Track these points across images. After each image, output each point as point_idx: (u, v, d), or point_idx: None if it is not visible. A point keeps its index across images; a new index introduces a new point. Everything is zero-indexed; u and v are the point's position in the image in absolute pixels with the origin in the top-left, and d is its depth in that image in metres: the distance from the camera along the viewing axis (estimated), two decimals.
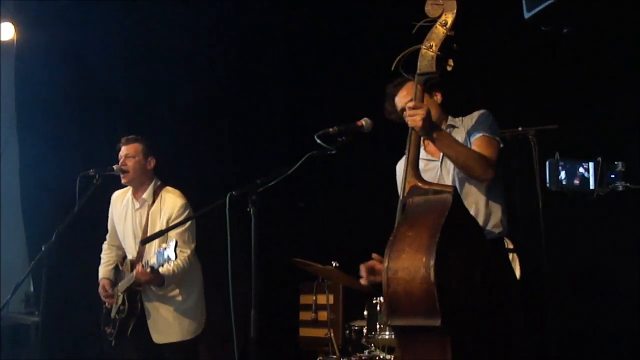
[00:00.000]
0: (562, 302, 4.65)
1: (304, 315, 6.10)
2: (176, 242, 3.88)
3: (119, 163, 4.49)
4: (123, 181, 4.53)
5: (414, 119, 2.95)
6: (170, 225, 4.24)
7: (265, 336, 3.10)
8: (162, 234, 4.03)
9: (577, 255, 4.81)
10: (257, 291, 3.02)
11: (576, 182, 3.52)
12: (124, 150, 4.53)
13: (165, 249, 3.89)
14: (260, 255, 3.03)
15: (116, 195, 4.73)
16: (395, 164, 3.51)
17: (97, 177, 4.44)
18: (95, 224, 4.83)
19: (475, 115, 3.32)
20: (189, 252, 4.37)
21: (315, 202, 6.18)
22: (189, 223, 4.35)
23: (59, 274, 5.00)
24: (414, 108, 2.97)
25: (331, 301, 5.50)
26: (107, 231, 4.81)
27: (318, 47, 6.25)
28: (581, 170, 3.51)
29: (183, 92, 6.25)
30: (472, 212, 3.11)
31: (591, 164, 3.48)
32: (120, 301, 4.48)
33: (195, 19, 6.21)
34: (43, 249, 4.23)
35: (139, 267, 4.19)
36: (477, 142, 3.21)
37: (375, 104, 3.55)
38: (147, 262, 4.12)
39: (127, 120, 6.05)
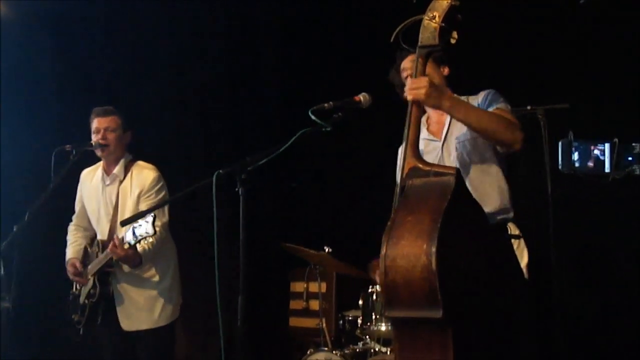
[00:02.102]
0: (572, 291, 4.56)
1: (295, 304, 6.06)
2: (154, 217, 3.67)
3: (99, 136, 4.30)
4: (101, 154, 4.36)
5: (417, 92, 2.81)
6: (143, 199, 4.20)
7: (253, 325, 2.98)
8: (143, 214, 3.77)
9: (588, 242, 4.72)
10: (246, 276, 2.90)
11: (590, 164, 3.34)
12: (103, 122, 4.33)
13: (141, 225, 3.68)
14: (248, 239, 2.92)
15: (85, 173, 4.56)
16: (395, 142, 3.34)
17: (74, 152, 4.29)
18: (72, 203, 4.68)
19: (482, 94, 3.21)
20: (159, 224, 4.12)
21: (309, 183, 6.10)
22: (161, 194, 4.27)
23: (31, 256, 4.86)
24: (413, 82, 2.83)
25: (323, 289, 5.46)
26: None
27: (313, 17, 6.11)
28: (596, 152, 3.34)
29: (168, 66, 6.17)
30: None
31: (607, 145, 3.29)
32: (90, 285, 4.28)
33: None
34: (15, 229, 4.12)
35: (115, 241, 3.93)
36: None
37: (374, 79, 3.43)
38: (123, 238, 3.88)
39: (108, 95, 5.92)
